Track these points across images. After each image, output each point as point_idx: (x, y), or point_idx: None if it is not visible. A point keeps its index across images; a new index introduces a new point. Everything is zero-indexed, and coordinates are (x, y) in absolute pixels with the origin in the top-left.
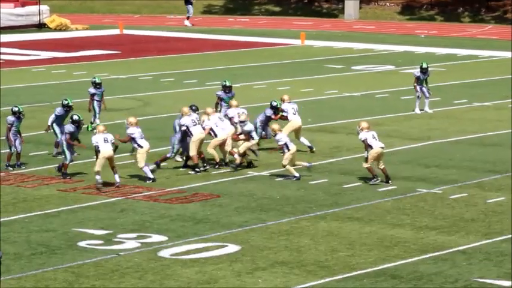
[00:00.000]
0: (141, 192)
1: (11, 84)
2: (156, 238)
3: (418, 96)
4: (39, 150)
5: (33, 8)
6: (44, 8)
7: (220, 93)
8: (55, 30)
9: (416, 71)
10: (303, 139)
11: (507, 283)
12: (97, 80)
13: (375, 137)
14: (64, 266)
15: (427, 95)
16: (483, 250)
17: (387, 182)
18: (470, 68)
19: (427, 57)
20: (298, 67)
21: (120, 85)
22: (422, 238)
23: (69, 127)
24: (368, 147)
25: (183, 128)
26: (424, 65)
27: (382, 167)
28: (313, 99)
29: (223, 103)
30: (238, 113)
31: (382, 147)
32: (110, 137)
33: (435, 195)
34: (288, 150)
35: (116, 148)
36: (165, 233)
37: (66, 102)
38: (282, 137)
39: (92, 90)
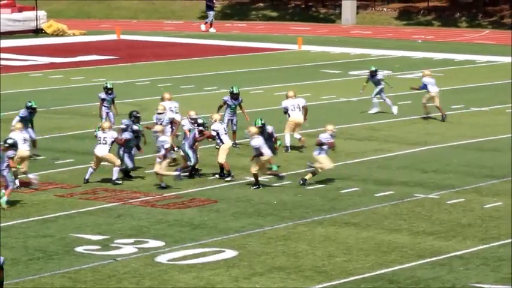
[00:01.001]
0: (138, 198)
1: (8, 90)
2: (153, 243)
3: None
4: (36, 156)
5: (30, 14)
6: (41, 13)
7: (227, 98)
8: (52, 35)
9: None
10: (296, 134)
11: None
12: (108, 85)
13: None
14: (61, 271)
15: (383, 97)
16: (480, 255)
17: (257, 186)
18: (468, 73)
19: (424, 62)
20: (295, 72)
21: (117, 90)
22: (420, 243)
23: (126, 135)
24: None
25: (214, 133)
26: (373, 68)
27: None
28: (310, 104)
29: (228, 109)
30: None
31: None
32: (27, 135)
33: (432, 201)
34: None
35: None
36: (162, 238)
37: (30, 104)
38: (165, 140)
39: (103, 95)
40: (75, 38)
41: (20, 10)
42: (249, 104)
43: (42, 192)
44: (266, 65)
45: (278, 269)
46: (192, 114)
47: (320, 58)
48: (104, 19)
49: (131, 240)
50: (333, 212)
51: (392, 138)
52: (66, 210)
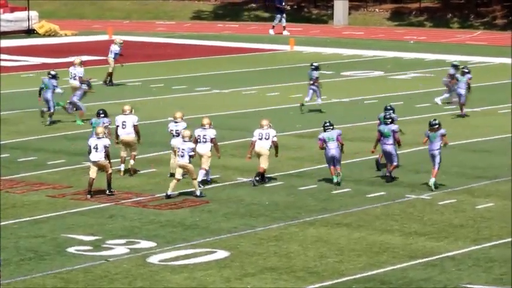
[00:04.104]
0: (130, 198)
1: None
2: (145, 244)
3: None
4: (28, 156)
5: (22, 14)
6: (33, 13)
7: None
8: (44, 36)
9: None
10: None
11: None
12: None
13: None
14: (53, 272)
15: None
16: (472, 256)
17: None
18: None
19: (416, 63)
20: (287, 73)
21: (109, 91)
22: (411, 244)
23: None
24: None
25: (254, 138)
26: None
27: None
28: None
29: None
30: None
31: None
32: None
33: (424, 201)
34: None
35: None
36: (154, 239)
37: None
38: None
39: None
40: (67, 38)
41: (12, 10)
42: (241, 105)
43: (34, 192)
44: (258, 66)
45: (270, 269)
46: (178, 115)
47: (312, 59)
48: (96, 19)
49: (123, 241)
50: (325, 212)
51: None
52: (57, 210)
